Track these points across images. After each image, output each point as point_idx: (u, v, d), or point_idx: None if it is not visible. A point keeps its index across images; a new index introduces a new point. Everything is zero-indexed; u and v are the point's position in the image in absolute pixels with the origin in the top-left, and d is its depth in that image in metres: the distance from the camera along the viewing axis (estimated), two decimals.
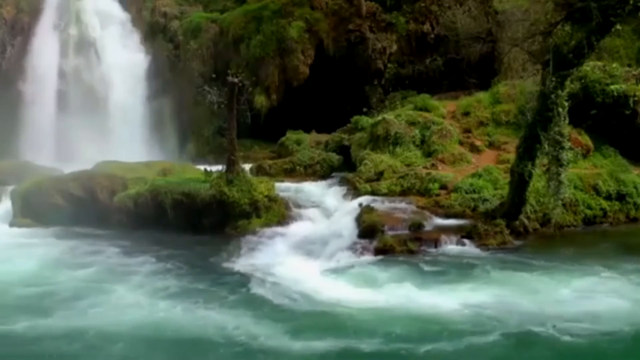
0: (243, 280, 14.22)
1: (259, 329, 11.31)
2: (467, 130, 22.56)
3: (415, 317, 11.73)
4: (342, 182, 20.59)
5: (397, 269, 14.59)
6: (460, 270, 14.40)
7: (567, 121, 16.03)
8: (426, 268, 14.63)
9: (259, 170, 22.39)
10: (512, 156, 17.88)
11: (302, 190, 20.25)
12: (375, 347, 10.55)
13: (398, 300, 12.52)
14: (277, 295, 13.07)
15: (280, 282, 13.85)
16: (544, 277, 13.75)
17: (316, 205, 19.19)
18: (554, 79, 15.53)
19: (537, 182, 17.10)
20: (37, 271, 14.87)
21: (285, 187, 20.25)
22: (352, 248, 15.95)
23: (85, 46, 29.57)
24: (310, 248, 16.13)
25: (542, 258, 14.98)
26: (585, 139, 20.68)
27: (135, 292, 13.44)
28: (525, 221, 16.99)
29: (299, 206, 19.08)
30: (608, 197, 18.57)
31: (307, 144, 24.83)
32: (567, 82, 16.01)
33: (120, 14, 30.65)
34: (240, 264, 15.38)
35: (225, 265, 15.47)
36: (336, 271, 14.63)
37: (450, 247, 16.11)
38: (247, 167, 20.69)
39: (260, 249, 16.52)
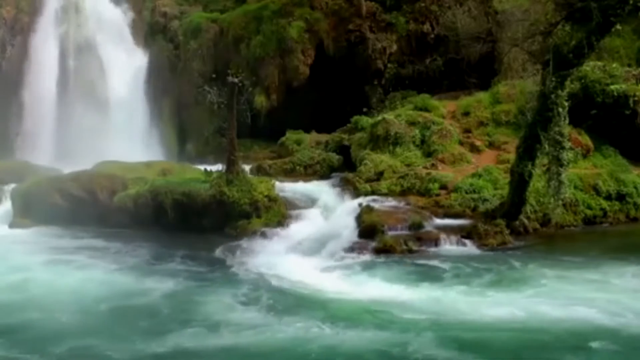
0: (243, 280, 14.21)
1: (259, 329, 11.32)
2: (467, 130, 22.56)
3: (414, 316, 11.71)
4: (342, 182, 20.58)
5: (397, 268, 14.61)
6: (460, 270, 14.40)
7: (567, 121, 16.04)
8: (426, 268, 14.65)
9: (259, 170, 22.39)
10: (512, 156, 17.88)
11: (302, 191, 20.24)
12: (375, 346, 10.54)
13: (397, 299, 12.52)
14: (277, 295, 13.05)
15: (280, 282, 13.86)
16: (543, 277, 13.73)
17: (316, 205, 19.19)
18: (554, 79, 15.54)
19: (537, 182, 17.11)
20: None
21: (285, 187, 20.25)
22: (352, 248, 15.97)
23: (85, 46, 29.52)
24: (310, 248, 16.14)
25: (542, 258, 14.99)
26: (585, 139, 20.68)
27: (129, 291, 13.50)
28: (525, 221, 17.01)
29: (298, 206, 19.08)
30: (608, 197, 18.59)
31: (307, 144, 24.83)
32: (567, 82, 16.03)
33: (120, 14, 30.61)
34: (241, 264, 15.38)
35: (226, 265, 15.46)
36: (336, 271, 14.64)
37: (450, 247, 16.13)
38: (247, 167, 20.70)
39: (260, 248, 16.54)
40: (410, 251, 15.77)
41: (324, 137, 25.11)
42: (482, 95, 23.84)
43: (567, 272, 13.97)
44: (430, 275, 14.14)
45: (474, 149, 21.70)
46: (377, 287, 13.32)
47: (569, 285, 13.20)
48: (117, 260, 15.90)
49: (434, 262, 15.03)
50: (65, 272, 14.87)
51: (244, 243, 16.86)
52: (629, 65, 23.20)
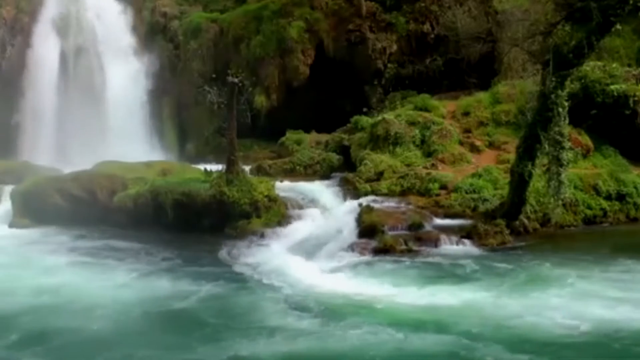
0: (243, 280, 14.21)
1: (260, 329, 11.32)
2: (467, 130, 22.57)
3: (412, 315, 11.70)
4: (342, 182, 20.58)
5: (397, 268, 14.60)
6: (460, 270, 14.40)
7: (567, 121, 16.04)
8: (426, 268, 14.63)
9: (259, 170, 22.39)
10: (512, 156, 17.88)
11: (302, 190, 20.23)
12: (374, 345, 10.53)
13: (396, 299, 12.52)
14: (277, 295, 13.05)
15: (280, 282, 13.85)
16: (543, 277, 13.72)
17: (316, 205, 19.18)
18: (554, 79, 15.54)
19: (537, 182, 17.10)
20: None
21: (285, 187, 20.24)
22: (352, 248, 15.96)
23: (85, 46, 29.53)
24: (310, 248, 16.14)
25: (542, 258, 14.97)
26: (585, 139, 20.68)
27: (136, 291, 13.45)
28: (525, 221, 17.01)
29: (298, 206, 19.07)
30: (608, 197, 18.59)
31: (307, 144, 24.84)
32: (567, 82, 16.03)
33: (120, 14, 30.61)
34: (241, 264, 15.38)
35: (226, 265, 15.46)
36: (336, 270, 14.63)
37: (450, 247, 16.12)
38: (247, 167, 20.69)
39: (260, 248, 16.54)
40: (410, 251, 15.76)
41: (324, 137, 25.11)
42: (482, 95, 23.84)
43: (588, 272, 13.91)
44: (430, 275, 14.11)
45: (474, 149, 21.71)
46: (377, 287, 13.29)
47: (596, 284, 13.11)
48: (126, 261, 15.81)
49: (434, 262, 15.02)
50: (82, 274, 14.65)
51: (244, 243, 16.85)
52: (629, 65, 23.21)
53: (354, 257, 15.53)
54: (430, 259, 15.26)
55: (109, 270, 15.01)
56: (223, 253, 16.29)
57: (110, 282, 14.08)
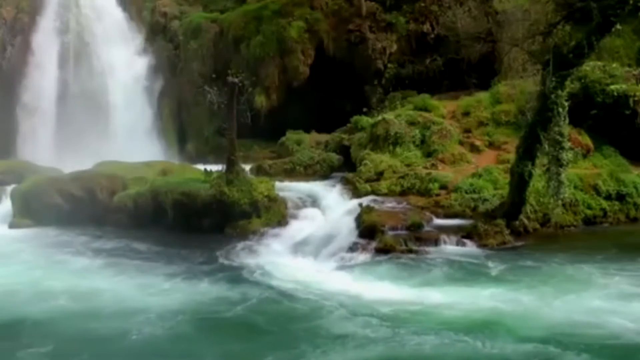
0: (243, 279, 14.22)
1: (260, 329, 11.31)
2: (467, 130, 22.56)
3: (411, 314, 11.70)
4: (342, 182, 20.59)
5: (397, 268, 14.60)
6: (460, 269, 14.40)
7: (567, 121, 16.03)
8: (425, 268, 14.62)
9: (259, 170, 22.39)
10: (512, 156, 17.88)
11: (302, 190, 20.24)
12: (373, 343, 10.53)
13: (396, 299, 12.52)
14: (277, 295, 13.07)
15: (280, 282, 13.86)
16: (542, 277, 13.71)
17: (316, 205, 19.20)
18: (554, 79, 15.53)
19: (537, 182, 17.09)
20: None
21: (285, 187, 20.25)
22: (352, 248, 15.95)
23: (85, 46, 29.55)
24: (310, 248, 16.15)
25: (542, 258, 14.97)
26: (585, 139, 20.67)
27: (137, 292, 13.44)
28: (525, 221, 16.99)
29: (299, 206, 19.09)
30: (608, 197, 18.57)
31: (307, 144, 24.84)
32: (567, 82, 16.02)
33: (120, 14, 30.63)
34: (241, 264, 15.39)
35: (226, 265, 15.47)
36: (336, 271, 14.65)
37: (450, 247, 16.11)
38: (247, 167, 20.68)
39: (260, 248, 16.55)
40: (411, 251, 15.74)
41: (324, 137, 25.12)
42: (482, 95, 23.84)
43: (567, 272, 13.93)
44: (430, 275, 14.11)
45: (474, 149, 21.70)
46: (377, 286, 13.31)
47: (567, 285, 13.10)
48: (117, 261, 15.82)
49: (434, 262, 14.99)
50: (112, 277, 14.46)
51: (244, 243, 16.86)
52: (629, 65, 23.19)
53: (353, 257, 15.52)
54: (429, 259, 15.22)
55: (139, 273, 14.76)
56: (222, 253, 16.26)
57: (144, 285, 13.82)
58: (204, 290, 13.52)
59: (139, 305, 12.56)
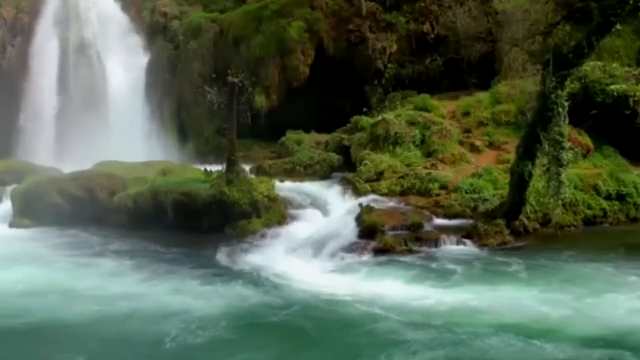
0: (243, 279, 14.21)
1: (260, 329, 11.31)
2: (467, 130, 22.55)
3: (410, 314, 11.70)
4: (342, 182, 20.60)
5: (397, 268, 14.60)
6: (460, 269, 14.38)
7: (567, 121, 16.04)
8: (426, 268, 14.62)
9: (259, 170, 22.38)
10: (512, 156, 17.88)
11: (302, 190, 20.24)
12: (372, 343, 10.53)
13: (396, 298, 12.52)
14: (277, 295, 13.07)
15: (280, 282, 13.86)
16: (566, 277, 13.65)
17: (316, 205, 19.19)
18: (554, 79, 15.54)
19: (537, 182, 17.09)
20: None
21: (285, 187, 20.24)
22: (352, 248, 15.96)
23: (85, 46, 29.55)
24: (310, 248, 16.11)
25: (542, 258, 14.99)
26: (585, 139, 20.67)
27: (140, 291, 13.43)
28: (525, 221, 16.99)
29: (298, 206, 19.09)
30: (608, 197, 18.57)
31: (307, 144, 24.83)
32: (567, 82, 16.04)
33: (120, 14, 30.63)
34: (241, 264, 15.40)
35: (226, 265, 15.48)
36: (336, 270, 14.65)
37: (450, 247, 16.11)
38: (247, 167, 20.69)
39: (260, 248, 16.55)
40: (411, 251, 15.75)
41: (324, 137, 25.11)
42: (482, 95, 23.83)
43: (567, 273, 13.91)
44: (430, 275, 14.10)
45: (474, 149, 21.70)
46: (377, 286, 13.31)
47: (567, 285, 13.04)
48: (117, 260, 15.83)
49: (434, 262, 14.99)
50: (137, 281, 14.26)
51: (244, 243, 16.85)
52: (629, 65, 23.17)
53: (353, 257, 15.54)
54: (429, 259, 15.22)
55: (158, 275, 14.59)
56: (222, 253, 16.23)
57: (171, 288, 13.64)
58: (199, 290, 13.47)
59: (204, 310, 12.23)
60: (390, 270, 14.45)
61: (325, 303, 12.52)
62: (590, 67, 21.13)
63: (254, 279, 14.25)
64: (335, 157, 23.12)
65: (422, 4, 28.31)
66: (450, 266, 14.58)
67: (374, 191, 19.25)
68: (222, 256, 16.04)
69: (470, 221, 17.09)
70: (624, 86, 21.16)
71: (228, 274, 14.67)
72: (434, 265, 14.76)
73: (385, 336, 10.76)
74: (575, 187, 18.25)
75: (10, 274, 14.66)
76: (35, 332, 11.37)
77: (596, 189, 18.58)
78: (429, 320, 11.35)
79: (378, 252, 15.74)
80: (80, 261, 15.79)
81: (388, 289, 13.15)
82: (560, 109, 15.78)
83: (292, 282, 13.82)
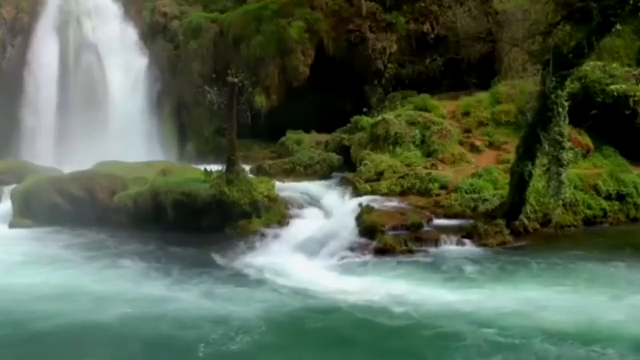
0: (243, 279, 14.22)
1: (260, 328, 11.33)
2: (467, 130, 22.56)
3: (410, 314, 11.70)
4: (342, 182, 20.59)
5: (397, 268, 14.59)
6: (460, 269, 14.38)
7: (567, 121, 16.04)
8: (426, 268, 14.62)
9: (259, 170, 22.39)
10: (512, 156, 17.89)
11: (302, 191, 20.23)
12: (372, 343, 10.53)
13: (395, 298, 12.51)
14: (277, 294, 13.07)
15: (280, 281, 13.86)
16: (587, 277, 13.61)
17: (316, 205, 19.19)
18: (554, 79, 15.54)
19: (537, 182, 17.10)
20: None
21: (285, 187, 20.24)
22: (352, 248, 15.96)
23: (85, 46, 29.56)
24: (310, 248, 16.12)
25: (542, 258, 14.96)
26: (585, 139, 20.68)
27: (138, 291, 13.44)
28: (525, 221, 16.99)
29: (299, 206, 19.08)
30: (608, 197, 18.58)
31: (307, 144, 24.85)
32: (567, 82, 16.04)
33: (120, 14, 30.63)
34: (241, 264, 15.39)
35: (226, 265, 15.46)
36: (336, 270, 14.64)
37: (450, 247, 16.11)
38: (247, 167, 20.68)
39: (260, 248, 16.55)
40: (411, 251, 15.75)
41: (324, 137, 25.12)
42: (482, 95, 23.84)
43: (567, 273, 13.89)
44: (430, 275, 14.09)
45: (474, 149, 21.70)
46: (377, 286, 13.29)
47: (567, 285, 13.02)
48: (117, 260, 15.79)
49: (434, 262, 14.98)
50: (158, 283, 14.11)
51: (244, 243, 16.85)
52: (629, 65, 23.19)
53: (353, 257, 15.53)
54: (429, 259, 15.22)
55: (172, 277, 14.43)
56: (222, 253, 16.22)
57: (198, 291, 13.45)
58: (199, 290, 13.45)
59: (232, 314, 12.01)
60: (391, 270, 14.44)
61: (318, 300, 12.50)
62: (590, 67, 21.14)
63: (253, 278, 14.23)
64: (335, 157, 23.12)
65: (422, 4, 28.32)
66: (460, 266, 14.50)
67: (374, 191, 19.25)
68: (221, 256, 16.00)
69: (470, 221, 17.09)
70: (624, 86, 21.17)
71: (226, 274, 14.65)
72: (451, 265, 14.60)
73: (423, 341, 10.55)
74: (575, 187, 18.25)
75: (29, 276, 14.51)
76: (67, 334, 11.18)
77: (596, 189, 18.59)
78: (469, 323, 11.09)
79: (378, 252, 15.73)
80: (101, 263, 15.61)
81: (397, 289, 13.06)
82: (560, 109, 15.78)
83: (290, 281, 13.80)
